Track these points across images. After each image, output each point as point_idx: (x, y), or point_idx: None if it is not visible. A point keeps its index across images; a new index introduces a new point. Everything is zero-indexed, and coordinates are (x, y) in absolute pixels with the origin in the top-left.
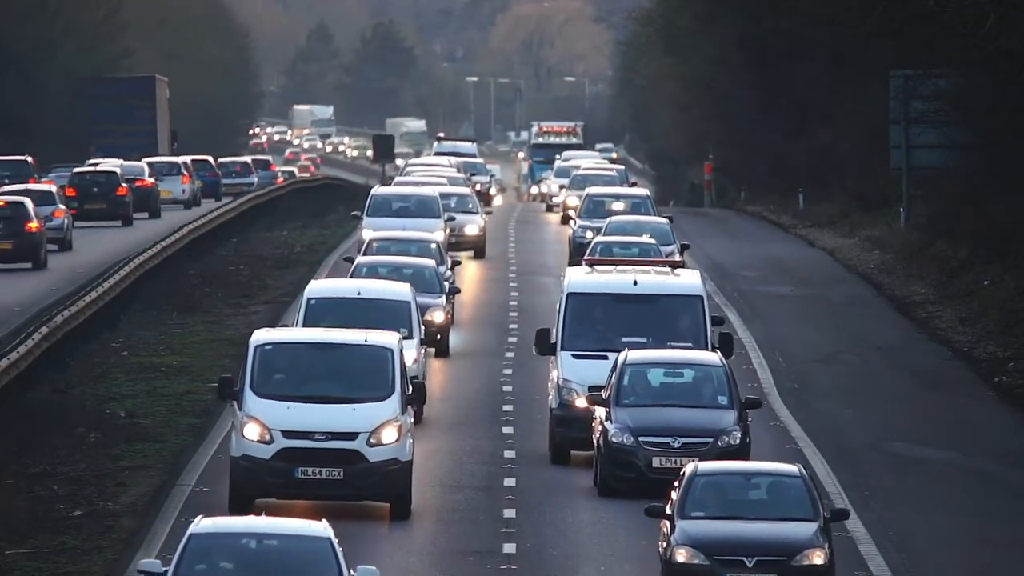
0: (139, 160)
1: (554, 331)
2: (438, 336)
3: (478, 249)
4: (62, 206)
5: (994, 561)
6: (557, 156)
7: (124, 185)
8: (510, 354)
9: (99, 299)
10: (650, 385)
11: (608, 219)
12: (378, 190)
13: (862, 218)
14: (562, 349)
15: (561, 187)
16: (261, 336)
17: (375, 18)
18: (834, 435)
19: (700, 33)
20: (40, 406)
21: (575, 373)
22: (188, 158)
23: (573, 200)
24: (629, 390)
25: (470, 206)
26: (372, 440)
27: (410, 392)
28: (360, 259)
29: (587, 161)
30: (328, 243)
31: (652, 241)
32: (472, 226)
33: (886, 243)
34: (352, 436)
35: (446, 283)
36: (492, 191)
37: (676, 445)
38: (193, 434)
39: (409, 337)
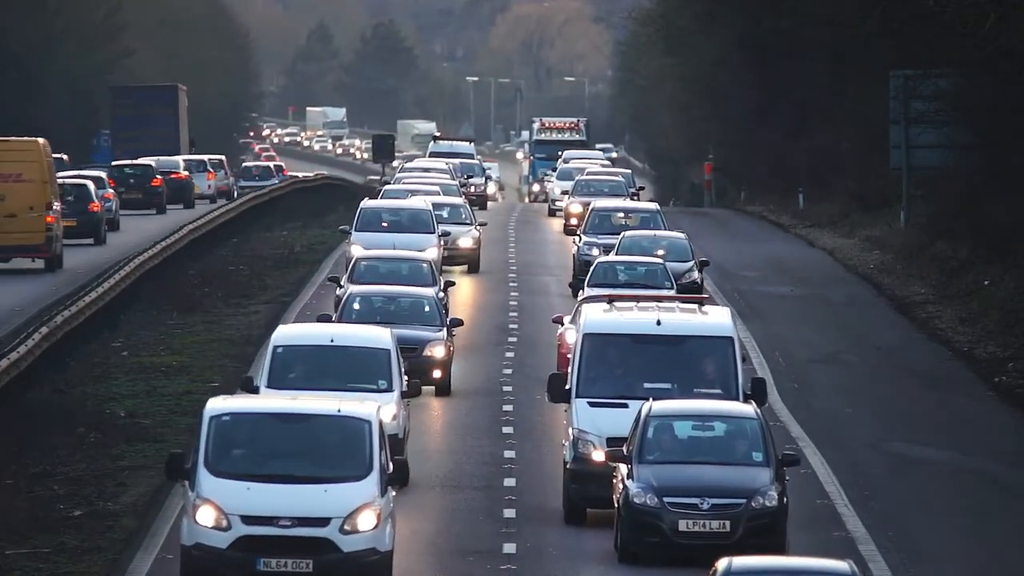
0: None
1: (568, 376)
2: (438, 373)
3: (472, 263)
4: (111, 190)
5: (993, 561)
6: (559, 152)
7: (159, 177)
8: (510, 354)
9: (99, 299)
10: (676, 440)
11: (622, 234)
12: (367, 203)
13: (862, 218)
14: (577, 396)
15: (564, 192)
16: (217, 405)
17: (375, 18)
18: (834, 435)
19: (700, 33)
20: (40, 406)
21: (591, 423)
22: (216, 158)
23: (576, 207)
24: (653, 445)
25: (463, 216)
26: (346, 527)
27: (391, 470)
28: (352, 288)
29: (591, 164)
30: (328, 243)
31: (660, 261)
32: (466, 239)
33: (886, 243)
34: (323, 522)
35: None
36: (491, 190)
37: (705, 507)
38: (193, 434)
39: (388, 390)
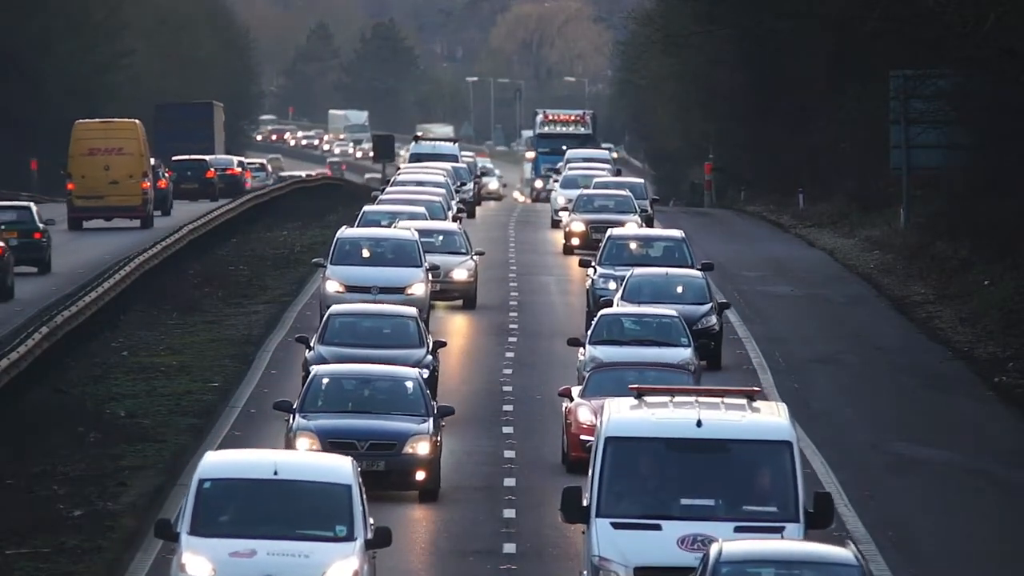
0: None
1: (586, 489)
2: (421, 474)
3: (468, 297)
4: (166, 177)
5: (993, 561)
6: (564, 147)
7: (212, 170)
8: (510, 354)
9: (99, 299)
10: None
11: (630, 272)
12: (344, 232)
13: (862, 218)
14: (598, 515)
15: (569, 202)
16: None
17: (375, 18)
18: (834, 435)
19: (700, 33)
20: (40, 406)
21: (616, 549)
22: (255, 161)
23: (578, 226)
24: None
25: (458, 245)
26: None
27: None
28: (319, 368)
29: (597, 170)
30: (328, 244)
31: (675, 314)
32: (460, 270)
33: (886, 243)
34: None
35: (433, 400)
36: (494, 186)
37: None
38: (193, 434)
39: (349, 538)
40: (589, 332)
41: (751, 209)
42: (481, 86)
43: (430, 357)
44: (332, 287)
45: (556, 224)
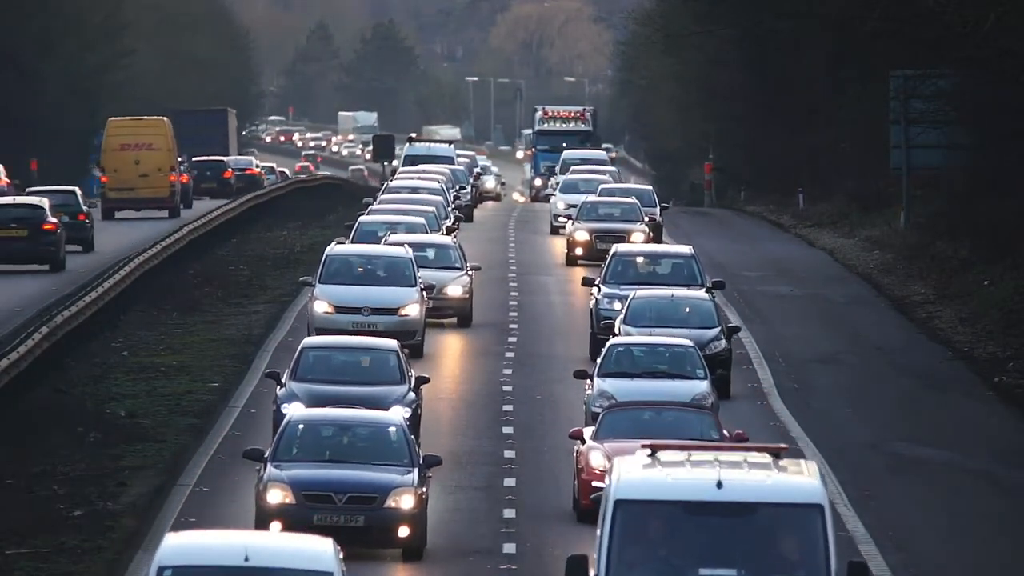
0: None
1: (593, 558)
2: (405, 530)
3: (462, 315)
4: (184, 174)
5: (993, 561)
6: (563, 144)
7: (230, 170)
8: (510, 354)
9: (99, 299)
10: None
11: (632, 295)
12: (334, 249)
13: (862, 218)
14: None
15: (570, 207)
16: None
17: (375, 18)
18: (834, 435)
19: (700, 33)
20: (40, 406)
21: None
22: (268, 165)
23: (582, 235)
24: None
25: (453, 260)
26: None
27: None
28: (294, 413)
29: (599, 174)
30: (328, 244)
31: (689, 343)
32: (455, 286)
33: (886, 243)
34: None
35: (417, 445)
36: (490, 185)
37: None
38: (193, 434)
39: None
40: (597, 363)
41: (751, 209)
42: (481, 86)
43: (412, 395)
44: (320, 307)
45: (556, 231)
